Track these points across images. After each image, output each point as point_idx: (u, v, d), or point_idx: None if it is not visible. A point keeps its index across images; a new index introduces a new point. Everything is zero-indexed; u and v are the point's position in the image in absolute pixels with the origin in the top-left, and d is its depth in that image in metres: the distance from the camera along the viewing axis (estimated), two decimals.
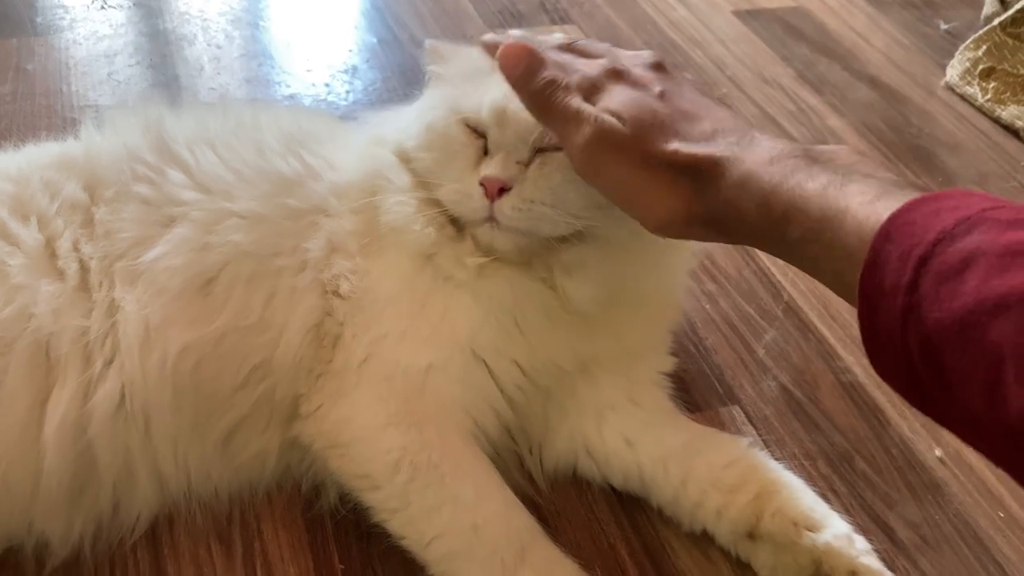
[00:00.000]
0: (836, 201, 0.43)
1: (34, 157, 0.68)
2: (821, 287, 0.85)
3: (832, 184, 0.44)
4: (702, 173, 0.50)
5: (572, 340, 0.65)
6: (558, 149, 0.58)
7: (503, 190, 0.59)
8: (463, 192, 0.60)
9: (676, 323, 0.74)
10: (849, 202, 0.43)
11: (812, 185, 0.45)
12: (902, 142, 1.10)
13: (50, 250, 0.61)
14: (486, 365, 0.63)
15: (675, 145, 0.51)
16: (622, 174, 0.52)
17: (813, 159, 0.47)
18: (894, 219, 0.40)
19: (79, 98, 1.04)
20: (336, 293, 0.63)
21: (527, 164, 0.59)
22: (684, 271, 0.74)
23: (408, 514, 0.60)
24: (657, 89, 0.54)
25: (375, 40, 1.20)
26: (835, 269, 0.43)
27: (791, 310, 0.86)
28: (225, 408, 0.62)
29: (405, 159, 0.64)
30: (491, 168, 0.59)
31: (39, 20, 1.16)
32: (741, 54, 1.24)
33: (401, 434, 0.61)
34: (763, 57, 1.24)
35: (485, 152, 0.61)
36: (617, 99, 0.53)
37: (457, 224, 0.63)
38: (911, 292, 0.38)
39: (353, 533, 0.64)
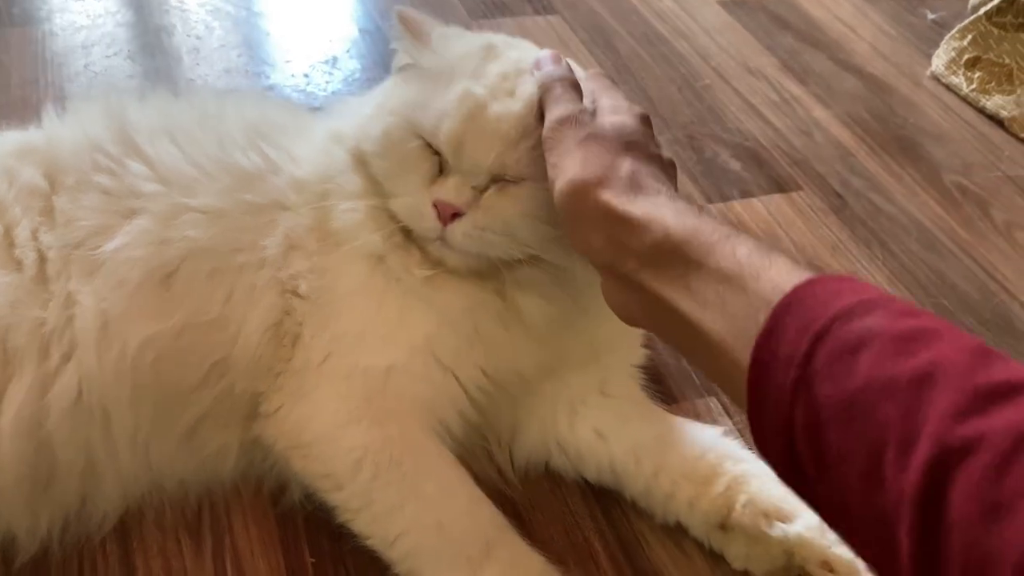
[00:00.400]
0: (745, 266, 0.43)
1: None
2: None
3: (744, 250, 0.44)
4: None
5: (532, 347, 0.64)
6: (515, 181, 0.57)
7: (456, 215, 0.57)
8: (415, 209, 0.59)
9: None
10: (757, 269, 0.42)
11: (724, 245, 0.45)
12: (887, 132, 1.09)
13: (8, 239, 0.60)
14: (446, 367, 0.62)
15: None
16: None
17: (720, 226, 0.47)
18: (797, 291, 0.40)
19: (55, 89, 1.02)
20: (295, 292, 0.62)
21: (482, 190, 0.58)
22: None
23: (372, 513, 0.59)
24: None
25: (356, 31, 1.19)
26: (728, 327, 0.42)
27: None
28: (185, 404, 0.61)
29: (361, 160, 0.62)
30: (445, 192, 0.57)
31: (15, 11, 1.15)
32: (726, 44, 1.23)
33: (363, 432, 0.60)
34: (748, 47, 1.23)
35: (441, 168, 0.59)
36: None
37: (408, 232, 0.61)
38: (805, 365, 0.38)
39: (324, 528, 0.63)
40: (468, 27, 1.19)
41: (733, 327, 0.42)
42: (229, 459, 0.63)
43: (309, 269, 0.62)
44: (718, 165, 1.01)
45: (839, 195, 0.98)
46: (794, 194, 0.98)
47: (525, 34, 1.19)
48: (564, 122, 0.54)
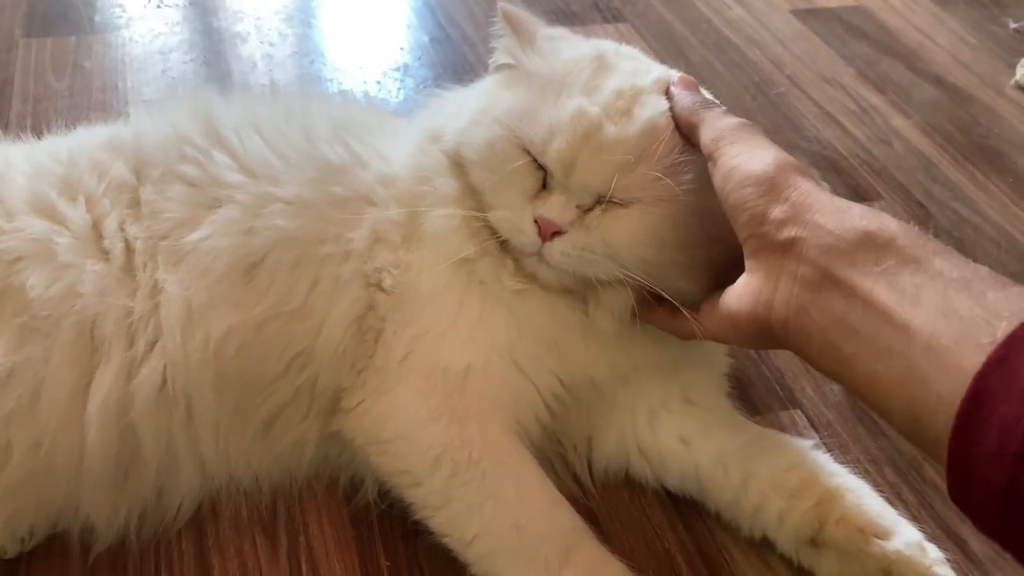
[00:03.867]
0: (974, 275, 0.40)
1: (84, 139, 0.67)
2: None
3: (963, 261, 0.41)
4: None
5: (610, 358, 0.62)
6: (623, 204, 0.55)
7: (557, 232, 0.56)
8: (515, 224, 0.57)
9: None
10: (987, 284, 0.40)
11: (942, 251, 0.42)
12: (970, 142, 1.06)
13: (97, 230, 0.60)
14: (524, 372, 0.60)
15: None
16: None
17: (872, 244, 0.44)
18: (983, 378, 0.36)
19: (134, 94, 1.04)
20: (379, 286, 0.61)
21: (587, 210, 0.56)
22: None
23: (449, 511, 0.58)
24: None
25: (427, 38, 1.19)
26: (947, 328, 0.39)
27: None
28: (266, 395, 0.60)
29: (459, 164, 0.60)
30: (548, 210, 0.55)
31: (97, 19, 1.18)
32: (800, 53, 1.21)
33: (442, 430, 0.59)
34: (823, 56, 1.21)
35: (545, 182, 0.57)
36: None
37: (503, 243, 0.59)
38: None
39: (399, 529, 0.62)
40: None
41: (956, 329, 0.39)
42: (306, 453, 0.62)
43: (394, 263, 0.61)
44: None
45: (922, 205, 0.95)
46: (875, 204, 0.95)
47: None
48: (743, 125, 0.52)
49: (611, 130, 0.54)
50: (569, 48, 0.60)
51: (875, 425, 0.72)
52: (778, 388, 0.74)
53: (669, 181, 0.54)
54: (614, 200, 0.55)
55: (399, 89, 1.09)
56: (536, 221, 0.56)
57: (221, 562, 0.60)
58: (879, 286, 0.43)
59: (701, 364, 0.67)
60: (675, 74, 0.59)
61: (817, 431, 0.71)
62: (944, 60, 1.22)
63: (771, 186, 0.49)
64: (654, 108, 0.56)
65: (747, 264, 0.51)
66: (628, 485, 0.66)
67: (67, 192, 0.62)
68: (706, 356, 0.67)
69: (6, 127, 0.95)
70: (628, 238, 0.55)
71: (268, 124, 0.66)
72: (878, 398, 0.43)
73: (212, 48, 1.14)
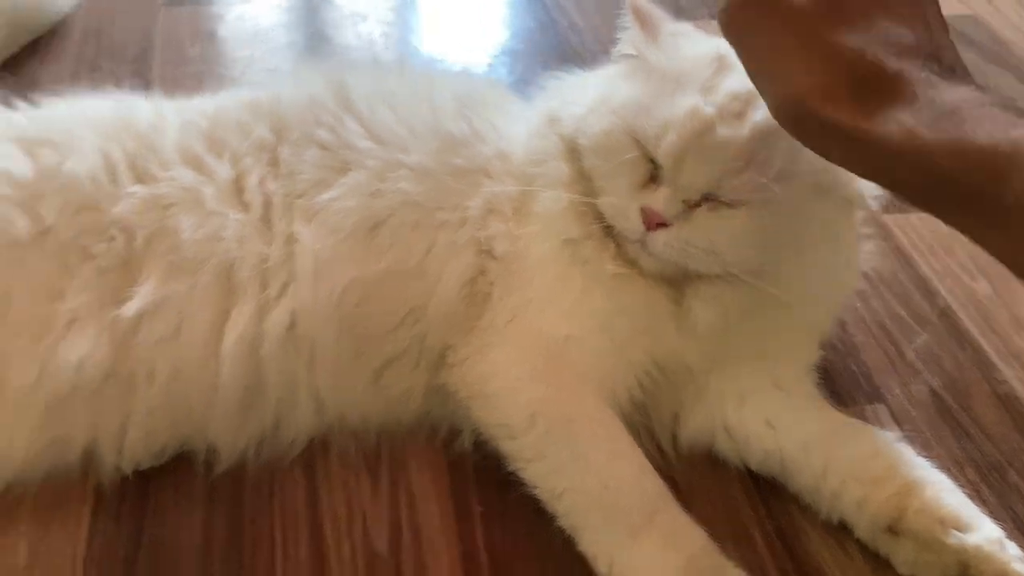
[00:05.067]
0: None
1: (227, 101, 0.73)
2: (982, 295, 0.83)
3: None
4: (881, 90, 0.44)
5: (702, 347, 0.65)
6: (730, 204, 0.58)
7: (662, 224, 0.59)
8: (621, 211, 0.61)
9: (825, 329, 0.72)
10: None
11: None
12: None
13: (239, 184, 0.66)
14: (618, 349, 0.64)
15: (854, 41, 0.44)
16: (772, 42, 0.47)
17: None
18: None
19: (259, 63, 1.11)
20: (490, 254, 0.66)
21: (694, 205, 0.59)
22: (844, 296, 0.72)
23: (542, 465, 0.62)
24: None
25: (533, 23, 1.23)
26: None
27: (947, 316, 0.83)
28: (380, 344, 0.65)
29: (574, 150, 0.64)
30: (655, 201, 0.59)
31: None
32: None
33: (540, 390, 0.63)
34: None
35: (654, 174, 0.60)
36: None
37: (608, 227, 0.63)
38: None
39: (492, 479, 0.65)
40: None
41: None
42: (412, 401, 0.67)
43: (504, 233, 0.65)
44: None
45: None
46: None
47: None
48: None
49: (723, 132, 0.57)
50: (692, 45, 0.63)
51: (959, 426, 0.73)
52: (863, 383, 0.76)
53: (777, 188, 0.57)
54: (721, 199, 0.58)
55: (508, 73, 1.13)
56: (642, 211, 0.59)
57: (328, 492, 0.65)
58: None
59: (792, 353, 0.69)
60: None
61: (900, 426, 0.72)
62: None
63: None
64: (767, 112, 0.58)
65: None
66: (710, 460, 0.69)
67: (213, 148, 0.68)
68: (798, 346, 0.69)
69: (149, 87, 1.03)
70: (730, 238, 0.59)
71: (396, 96, 0.71)
72: None
73: (332, 24, 1.20)
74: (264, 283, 0.63)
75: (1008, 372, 0.78)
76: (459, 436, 0.68)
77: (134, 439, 0.63)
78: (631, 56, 0.65)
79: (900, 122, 0.42)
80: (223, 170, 0.66)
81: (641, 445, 0.66)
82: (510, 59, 1.15)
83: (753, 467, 0.68)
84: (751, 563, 0.62)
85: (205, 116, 0.70)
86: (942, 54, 0.46)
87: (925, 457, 0.67)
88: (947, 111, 0.42)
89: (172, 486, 0.64)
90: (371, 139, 0.68)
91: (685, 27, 0.65)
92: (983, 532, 0.59)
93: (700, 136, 0.57)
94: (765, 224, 0.58)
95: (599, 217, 0.63)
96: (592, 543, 0.59)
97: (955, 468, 0.70)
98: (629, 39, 0.65)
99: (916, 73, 0.44)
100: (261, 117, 0.69)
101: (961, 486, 0.66)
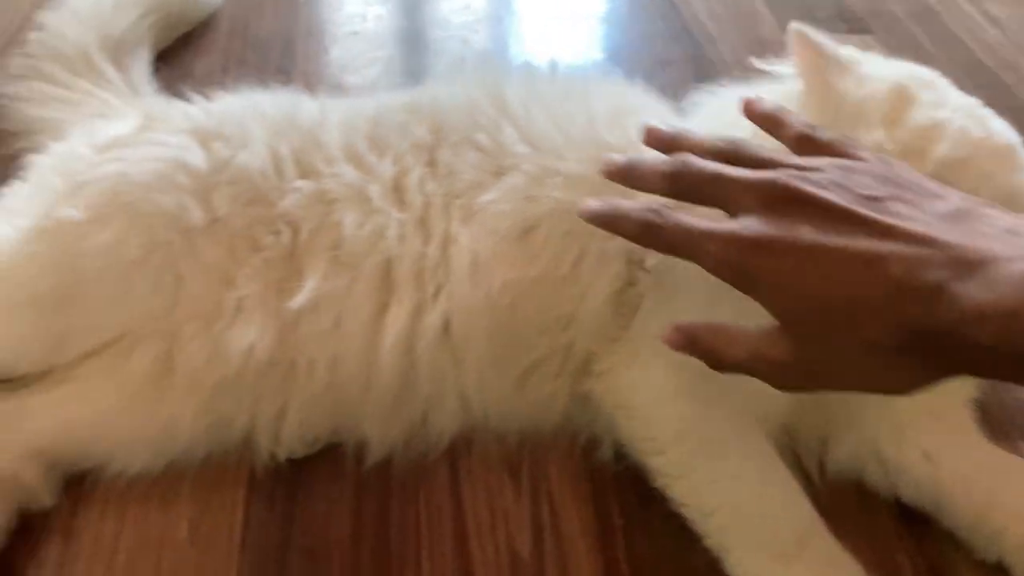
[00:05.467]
0: None
1: (387, 101, 0.75)
2: None
3: None
4: None
5: None
6: None
7: None
8: None
9: None
10: None
11: None
12: None
13: (399, 183, 0.67)
14: None
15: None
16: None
17: None
18: None
19: (397, 63, 1.13)
20: (640, 265, 0.65)
21: None
22: None
23: (690, 482, 0.61)
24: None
25: (671, 37, 1.22)
26: None
27: None
28: (528, 348, 0.66)
29: None
30: None
31: None
32: None
33: (689, 406, 0.62)
34: None
35: None
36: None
37: None
38: None
39: (633, 491, 0.65)
40: (778, 39, 1.19)
41: None
42: (555, 407, 0.67)
43: None
44: None
45: None
46: None
47: None
48: None
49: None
50: (869, 72, 0.61)
51: None
52: (1019, 418, 0.73)
53: None
54: None
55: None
56: None
57: (471, 492, 0.66)
58: None
59: (951, 384, 0.66)
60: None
61: None
62: None
63: None
64: (951, 145, 0.56)
65: None
66: (858, 490, 0.67)
67: (375, 147, 0.69)
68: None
69: (290, 82, 1.06)
70: None
71: (552, 102, 0.71)
72: None
73: (466, 28, 1.22)
74: (422, 281, 0.64)
75: None
76: (600, 446, 0.68)
77: (291, 426, 0.65)
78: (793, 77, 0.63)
79: None
80: (385, 168, 0.68)
81: (787, 467, 0.65)
82: (663, 67, 1.14)
83: (905, 499, 0.65)
84: None
85: (366, 116, 0.72)
86: None
87: None
88: None
89: (323, 476, 0.66)
90: (527, 144, 0.68)
91: (852, 51, 0.64)
92: None
93: None
94: None
95: None
96: (739, 565, 0.58)
97: None
98: (795, 68, 0.64)
99: None
100: (420, 119, 0.71)
101: None
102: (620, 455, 0.66)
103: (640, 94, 0.76)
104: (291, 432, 0.65)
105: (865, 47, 1.17)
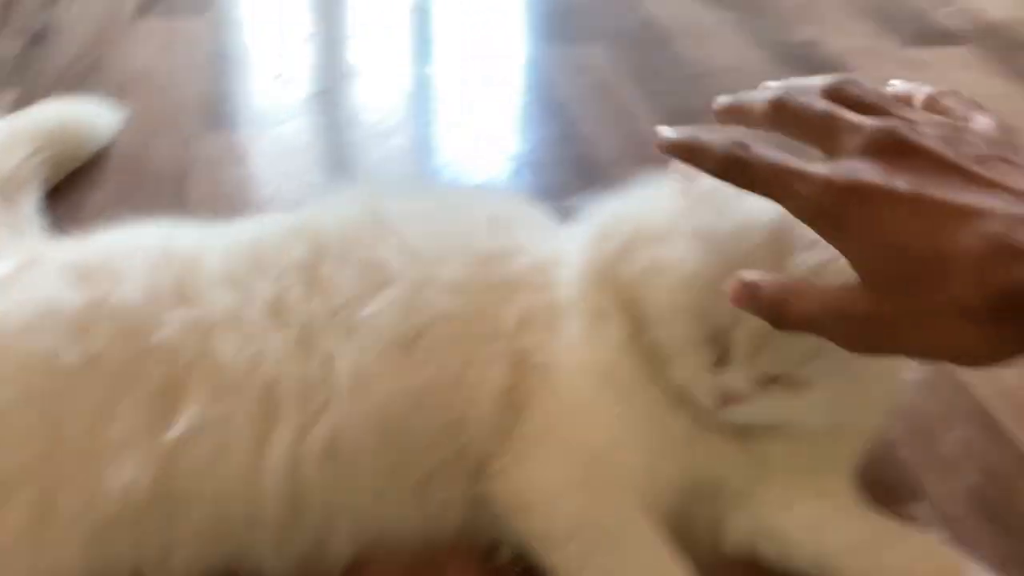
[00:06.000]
0: None
1: (267, 224, 0.77)
2: (1012, 383, 0.83)
3: None
4: None
5: (746, 460, 0.66)
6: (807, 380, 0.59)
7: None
8: (693, 387, 0.62)
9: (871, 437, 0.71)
10: None
11: None
12: None
13: (278, 304, 0.68)
14: (658, 459, 0.65)
15: None
16: None
17: None
18: None
19: (294, 182, 1.15)
20: (524, 364, 0.67)
21: (772, 380, 0.60)
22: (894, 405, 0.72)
23: None
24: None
25: (547, 133, 1.28)
26: None
27: (982, 411, 0.82)
28: (420, 458, 0.66)
29: (632, 307, 0.64)
30: (734, 381, 0.59)
31: (259, 115, 1.31)
32: None
33: (580, 501, 0.63)
34: None
35: (725, 351, 0.59)
36: None
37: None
38: None
39: None
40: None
41: None
42: (453, 514, 0.67)
43: (538, 344, 0.67)
44: None
45: None
46: None
47: None
48: None
49: None
50: (746, 210, 0.59)
51: (1002, 524, 0.72)
52: (903, 480, 0.75)
53: (861, 363, 0.56)
54: (799, 375, 0.59)
55: (524, 186, 1.16)
56: (718, 391, 0.60)
57: None
58: None
59: (836, 462, 0.69)
60: None
61: (942, 525, 0.71)
62: None
63: None
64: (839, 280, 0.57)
65: None
66: (754, 567, 0.68)
67: (254, 269, 0.70)
68: (842, 455, 0.70)
69: (186, 212, 1.07)
70: (813, 413, 0.61)
71: (430, 214, 0.74)
72: None
73: (358, 144, 1.25)
74: (305, 402, 0.65)
75: None
76: (500, 548, 0.68)
77: (179, 561, 0.63)
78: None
79: None
80: (263, 291, 0.69)
81: (682, 550, 0.66)
82: (518, 165, 1.19)
83: (798, 573, 0.67)
84: None
85: (246, 239, 0.74)
86: None
87: (969, 555, 0.67)
88: None
89: None
90: (405, 256, 0.70)
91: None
92: None
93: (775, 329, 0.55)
94: (843, 386, 0.60)
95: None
96: None
97: (1000, 568, 0.68)
98: (681, 207, 0.62)
99: None
100: (300, 238, 0.72)
101: None
102: (520, 556, 0.66)
103: (518, 203, 0.79)
104: (180, 567, 0.63)
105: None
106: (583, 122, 1.30)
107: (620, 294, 0.64)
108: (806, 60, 1.46)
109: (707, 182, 0.55)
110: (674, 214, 0.63)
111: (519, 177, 1.17)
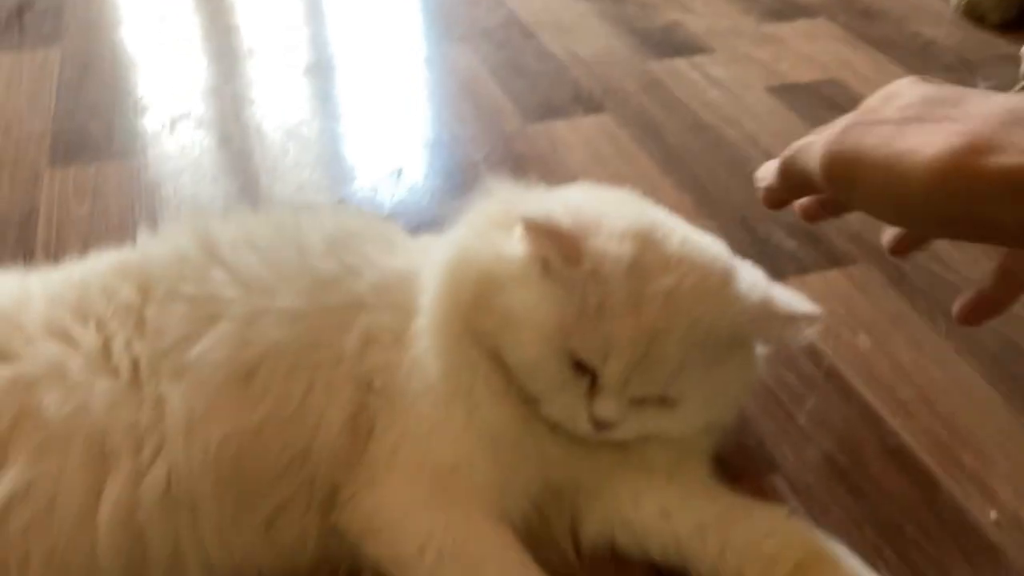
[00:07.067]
0: None
1: (95, 265, 0.73)
2: (863, 350, 0.86)
3: None
4: None
5: (596, 461, 0.68)
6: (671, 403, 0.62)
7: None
8: (569, 418, 0.63)
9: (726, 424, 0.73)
10: None
11: None
12: None
13: (106, 350, 0.66)
14: (509, 471, 0.65)
15: None
16: None
17: None
18: None
19: (148, 213, 1.12)
20: (370, 387, 0.66)
21: (642, 401, 0.62)
22: (748, 395, 0.75)
23: None
24: None
25: (421, 143, 1.27)
26: None
27: (833, 375, 0.85)
28: (267, 493, 0.64)
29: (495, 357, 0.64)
30: (604, 410, 0.61)
31: (115, 147, 1.27)
32: (776, 128, 1.27)
33: (427, 519, 0.63)
34: (798, 129, 1.26)
35: (594, 380, 0.61)
36: None
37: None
38: None
39: None
40: (523, 131, 1.26)
41: None
42: (307, 546, 0.66)
43: (384, 364, 0.66)
44: (772, 244, 1.03)
45: (897, 268, 0.98)
46: (851, 268, 0.99)
47: (577, 134, 1.25)
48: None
49: (658, 352, 0.59)
50: (604, 249, 0.60)
51: (854, 487, 0.74)
52: (758, 454, 0.77)
53: (716, 375, 0.62)
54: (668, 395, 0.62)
55: (394, 193, 1.15)
56: (591, 418, 0.62)
57: None
58: None
59: (689, 452, 0.70)
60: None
61: (797, 495, 0.73)
62: None
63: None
64: (696, 306, 0.60)
65: None
66: (615, 559, 0.69)
67: (79, 316, 0.67)
68: (695, 445, 0.71)
69: (32, 253, 1.03)
70: (676, 422, 0.64)
71: (262, 240, 0.72)
72: None
73: (219, 166, 1.22)
74: (137, 448, 0.62)
75: (896, 423, 0.80)
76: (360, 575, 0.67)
77: None
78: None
79: None
80: (88, 338, 0.66)
81: (543, 553, 0.66)
82: (395, 178, 1.18)
83: (656, 559, 0.68)
84: None
85: (71, 284, 0.71)
86: None
87: (824, 523, 0.69)
88: None
89: None
90: (237, 287, 0.68)
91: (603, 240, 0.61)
92: None
93: (641, 358, 0.59)
94: (709, 399, 0.64)
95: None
96: None
97: (855, 529, 0.71)
98: (546, 264, 0.61)
99: None
100: (127, 278, 0.70)
101: (861, 548, 0.67)
102: None
103: (356, 216, 0.78)
104: None
105: (601, 125, 1.28)
106: (453, 124, 1.30)
107: (477, 338, 0.64)
108: (669, 43, 1.49)
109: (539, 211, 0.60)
110: (521, 254, 0.63)
111: (392, 185, 1.16)
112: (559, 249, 0.60)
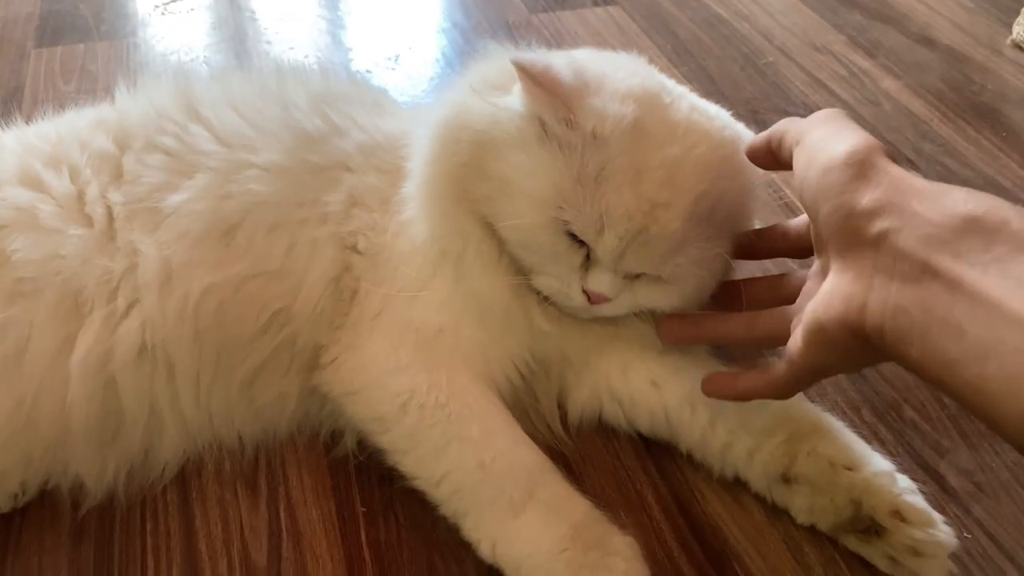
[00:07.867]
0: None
1: (72, 120, 0.71)
2: None
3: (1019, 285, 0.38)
4: None
5: (586, 336, 0.65)
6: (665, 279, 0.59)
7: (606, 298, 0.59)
8: (563, 292, 0.59)
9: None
10: None
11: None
12: (963, 99, 1.05)
13: (79, 198, 0.63)
14: (495, 338, 0.62)
15: None
16: None
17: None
18: None
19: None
20: (354, 248, 0.64)
21: (635, 277, 0.59)
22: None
23: (417, 454, 0.60)
24: None
25: (421, 29, 1.22)
26: (1019, 405, 0.37)
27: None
28: (247, 351, 0.62)
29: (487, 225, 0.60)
30: (598, 285, 0.58)
31: (104, 27, 1.23)
32: (790, 24, 1.21)
33: (410, 378, 0.60)
34: (813, 26, 1.21)
35: (589, 254, 0.58)
36: None
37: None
38: None
39: (375, 476, 0.63)
40: (528, 21, 1.20)
41: None
42: (287, 408, 0.64)
43: (370, 225, 0.63)
44: None
45: (910, 161, 0.95)
46: None
47: (585, 26, 1.20)
48: (828, 112, 0.51)
49: (657, 229, 0.55)
50: (605, 108, 0.55)
51: None
52: None
53: (713, 252, 0.57)
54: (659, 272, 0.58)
55: (389, 78, 1.11)
56: (585, 292, 0.58)
57: (203, 511, 0.62)
58: (988, 276, 0.39)
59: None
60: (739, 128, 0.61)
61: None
62: (939, 23, 1.21)
63: (859, 171, 0.45)
64: (702, 181, 0.55)
65: (833, 265, 0.46)
66: (601, 432, 0.67)
67: (52, 165, 0.65)
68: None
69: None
70: (672, 300, 0.60)
71: (243, 99, 0.68)
72: (988, 405, 0.38)
73: (212, 48, 1.18)
74: (111, 298, 0.60)
75: None
76: (342, 439, 0.65)
77: None
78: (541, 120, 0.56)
79: None
80: (61, 184, 0.63)
81: (530, 425, 0.65)
82: (392, 63, 1.14)
83: (643, 431, 0.66)
84: (647, 528, 0.61)
85: (46, 137, 0.68)
86: None
87: (821, 405, 0.66)
88: None
89: (36, 525, 0.61)
90: (217, 142, 0.65)
91: (601, 85, 0.56)
92: (872, 467, 0.58)
93: (636, 235, 0.55)
94: (701, 281, 0.60)
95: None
96: (475, 528, 0.57)
97: (851, 411, 0.69)
98: (544, 124, 0.56)
99: None
100: (105, 131, 0.67)
101: (859, 428, 0.65)
102: (364, 445, 0.64)
103: (343, 80, 0.74)
104: None
105: (610, 16, 1.22)
106: (455, 12, 1.25)
107: (469, 204, 0.60)
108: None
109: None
110: (518, 113, 0.57)
111: (390, 71, 1.12)
112: (557, 106, 0.55)
